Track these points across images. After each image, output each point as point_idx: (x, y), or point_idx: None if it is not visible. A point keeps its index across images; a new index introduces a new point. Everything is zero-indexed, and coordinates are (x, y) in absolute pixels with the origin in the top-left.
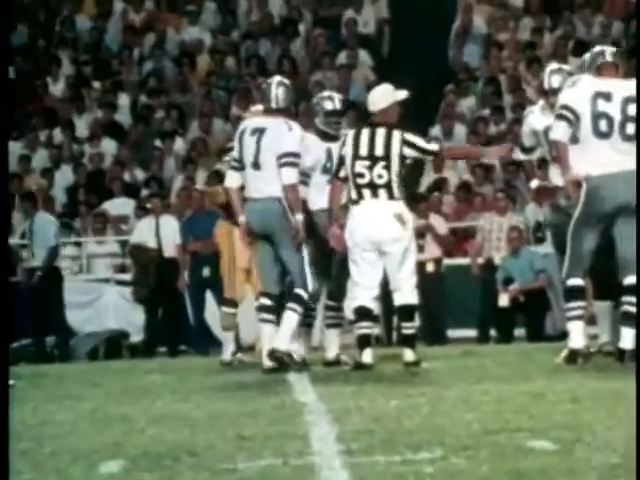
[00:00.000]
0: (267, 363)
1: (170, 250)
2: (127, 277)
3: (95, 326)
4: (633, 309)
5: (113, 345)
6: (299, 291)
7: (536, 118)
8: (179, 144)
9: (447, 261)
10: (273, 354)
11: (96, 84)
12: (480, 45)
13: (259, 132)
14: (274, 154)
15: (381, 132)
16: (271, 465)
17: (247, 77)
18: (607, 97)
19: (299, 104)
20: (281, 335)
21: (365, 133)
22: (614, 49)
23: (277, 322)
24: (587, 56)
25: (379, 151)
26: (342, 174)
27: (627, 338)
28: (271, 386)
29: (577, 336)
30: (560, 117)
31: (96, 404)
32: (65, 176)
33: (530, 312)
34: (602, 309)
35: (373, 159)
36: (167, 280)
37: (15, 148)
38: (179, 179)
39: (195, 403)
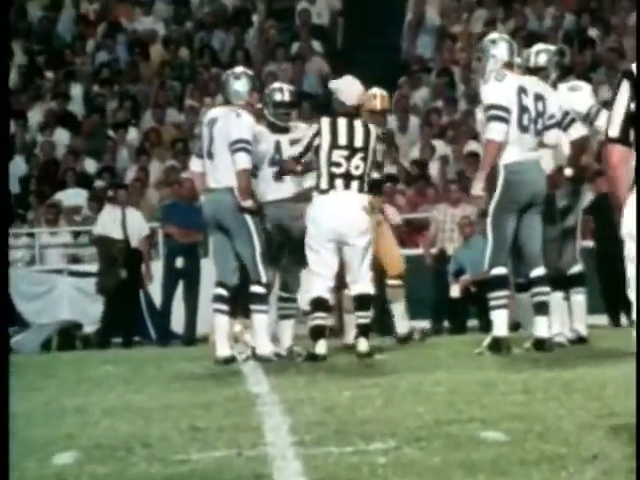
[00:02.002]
0: (220, 354)
1: (136, 241)
2: (81, 268)
3: (48, 317)
4: (546, 298)
5: (66, 336)
6: (256, 289)
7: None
8: (132, 134)
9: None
10: (260, 359)
11: (49, 74)
12: (433, 37)
13: (212, 122)
14: (225, 143)
15: (359, 124)
16: (225, 456)
17: (200, 68)
18: (526, 92)
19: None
20: (259, 340)
21: (342, 123)
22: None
23: (231, 313)
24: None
25: (358, 142)
26: (304, 159)
27: (543, 327)
28: (225, 377)
29: (501, 325)
30: (498, 118)
31: (50, 395)
32: (18, 166)
33: (482, 303)
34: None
35: (352, 149)
36: (133, 271)
37: None
38: (132, 169)
39: (149, 394)
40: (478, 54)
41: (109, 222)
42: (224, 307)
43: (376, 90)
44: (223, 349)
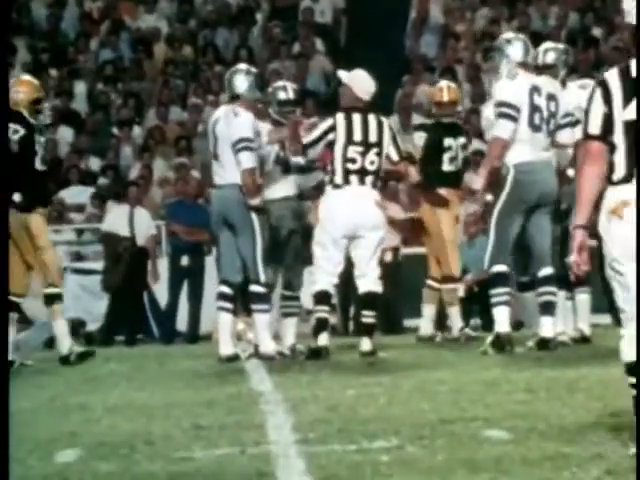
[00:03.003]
0: (223, 352)
1: (142, 239)
2: (84, 265)
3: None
4: (552, 298)
5: (70, 333)
6: (255, 288)
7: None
8: (136, 132)
9: (404, 250)
10: (263, 357)
11: (53, 72)
12: (437, 35)
13: (214, 123)
14: (228, 143)
15: (372, 118)
16: (228, 454)
17: (204, 66)
18: (539, 92)
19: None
20: (261, 338)
21: (357, 119)
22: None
23: (235, 311)
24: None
25: (373, 137)
26: (310, 149)
27: (548, 327)
28: (228, 375)
29: (503, 321)
30: (506, 116)
31: (53, 393)
32: None
33: (484, 302)
34: (559, 300)
35: (367, 145)
36: (139, 269)
37: None
38: (136, 167)
39: (152, 392)
40: (492, 53)
41: (116, 219)
42: (228, 305)
43: (444, 82)
44: (226, 347)
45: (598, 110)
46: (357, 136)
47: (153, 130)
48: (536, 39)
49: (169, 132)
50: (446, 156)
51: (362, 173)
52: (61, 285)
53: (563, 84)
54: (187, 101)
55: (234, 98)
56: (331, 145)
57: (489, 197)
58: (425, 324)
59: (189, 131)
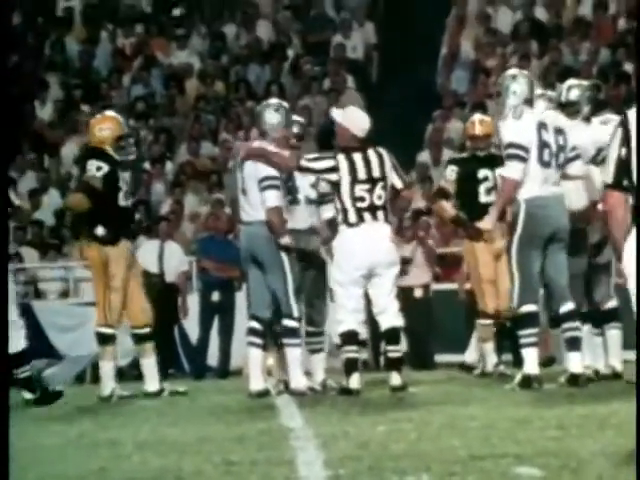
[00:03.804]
0: (254, 387)
1: (172, 276)
2: None
3: (82, 350)
4: (577, 333)
5: (99, 369)
6: (289, 323)
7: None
8: (167, 167)
9: (435, 286)
10: (294, 393)
11: (85, 108)
12: (468, 71)
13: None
14: (254, 180)
15: (372, 154)
16: None
17: (236, 101)
18: (546, 127)
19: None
20: (293, 376)
21: (358, 157)
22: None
23: (264, 346)
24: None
25: (376, 173)
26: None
27: (577, 363)
28: (258, 411)
29: (532, 362)
30: (516, 157)
31: (83, 429)
32: (53, 199)
33: (515, 338)
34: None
35: (372, 181)
36: (168, 305)
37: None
38: (167, 202)
39: (182, 428)
40: (497, 89)
41: (146, 255)
42: (258, 340)
43: (476, 116)
44: (257, 382)
45: (614, 156)
46: (361, 174)
47: (184, 165)
48: (567, 75)
49: (200, 167)
50: (482, 187)
51: (372, 209)
52: (118, 327)
53: (587, 120)
54: (218, 136)
55: (263, 134)
56: (336, 186)
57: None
58: (470, 353)
59: (220, 166)
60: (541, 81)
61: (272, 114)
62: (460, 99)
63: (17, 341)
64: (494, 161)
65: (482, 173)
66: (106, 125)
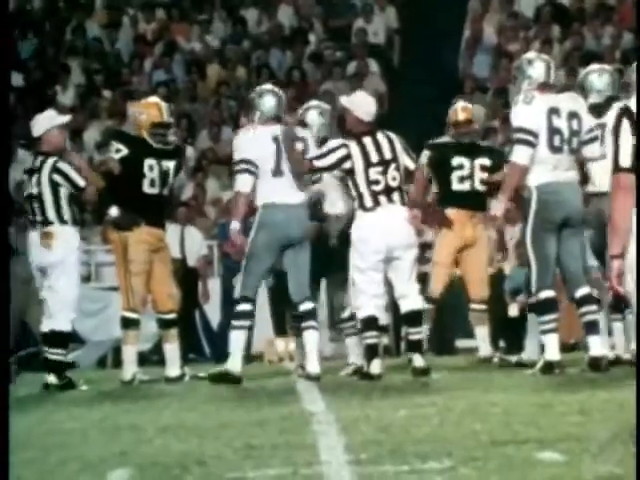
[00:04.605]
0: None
1: (193, 260)
2: None
3: (103, 334)
4: (595, 316)
5: (121, 353)
6: (309, 305)
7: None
8: (189, 152)
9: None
10: (310, 377)
11: (106, 93)
12: (490, 55)
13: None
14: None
15: (381, 136)
16: (280, 474)
17: (257, 86)
18: (558, 112)
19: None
20: (311, 359)
21: (368, 141)
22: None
23: (282, 331)
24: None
25: (388, 154)
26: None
27: (596, 346)
28: (279, 395)
29: (553, 348)
30: (524, 142)
31: (104, 413)
32: None
33: (512, 325)
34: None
35: (385, 163)
36: (189, 290)
37: (25, 156)
38: (189, 187)
39: (203, 412)
40: (514, 73)
41: (168, 240)
42: (248, 323)
43: (459, 103)
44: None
45: (627, 141)
46: (374, 157)
47: (206, 150)
48: (589, 59)
49: (221, 152)
50: (455, 175)
51: (388, 191)
52: (141, 311)
53: (609, 104)
54: (239, 122)
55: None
56: (350, 172)
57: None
58: (483, 345)
59: None
60: (563, 66)
61: (263, 100)
62: (482, 84)
63: (62, 322)
64: (474, 150)
65: (456, 161)
66: (145, 110)
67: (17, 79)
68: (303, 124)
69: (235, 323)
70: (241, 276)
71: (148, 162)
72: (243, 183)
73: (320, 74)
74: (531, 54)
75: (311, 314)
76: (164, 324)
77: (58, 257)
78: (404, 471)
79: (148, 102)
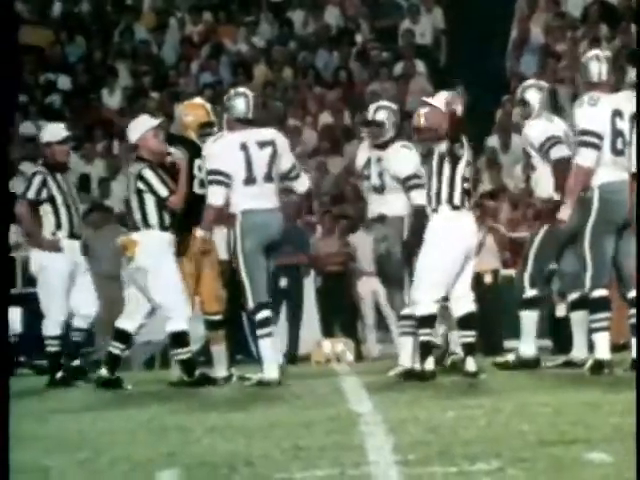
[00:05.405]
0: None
1: None
2: None
3: (151, 335)
4: None
5: (169, 354)
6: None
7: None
8: None
9: (503, 272)
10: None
11: (154, 95)
12: (537, 55)
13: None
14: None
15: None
16: (328, 475)
17: (303, 87)
18: (621, 115)
19: (355, 115)
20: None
21: (464, 138)
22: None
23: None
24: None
25: (470, 157)
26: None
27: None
28: (326, 396)
29: (603, 347)
30: (589, 145)
31: (152, 413)
32: (122, 186)
33: (556, 324)
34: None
35: (469, 165)
36: (236, 291)
37: (74, 159)
38: None
39: (250, 413)
40: (578, 72)
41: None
42: (267, 330)
43: (422, 109)
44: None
45: None
46: (468, 155)
47: None
48: (638, 58)
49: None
50: None
51: (469, 193)
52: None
53: None
54: (286, 122)
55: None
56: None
57: None
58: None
59: None
60: (612, 65)
61: (240, 100)
62: None
63: (176, 321)
64: (427, 156)
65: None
66: (191, 111)
67: (64, 82)
68: (376, 124)
69: (260, 332)
70: (247, 286)
71: (197, 163)
72: (214, 195)
73: (367, 75)
74: (594, 51)
75: (265, 323)
76: (211, 325)
77: (141, 263)
78: (452, 472)
79: (194, 103)
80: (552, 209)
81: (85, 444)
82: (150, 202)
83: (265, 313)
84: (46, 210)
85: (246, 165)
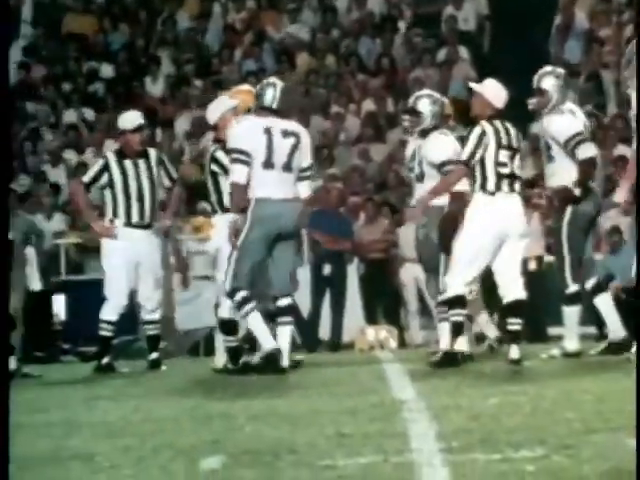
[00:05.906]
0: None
1: None
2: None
3: (195, 323)
4: None
5: (213, 342)
6: (292, 301)
7: None
8: None
9: (548, 258)
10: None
11: (197, 83)
12: (581, 40)
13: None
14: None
15: (509, 125)
16: (371, 462)
17: (346, 75)
18: None
19: (398, 102)
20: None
21: (499, 124)
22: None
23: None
24: None
25: (515, 143)
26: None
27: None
28: (370, 383)
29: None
30: None
31: (196, 401)
32: None
33: (629, 310)
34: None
35: (513, 150)
36: None
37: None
38: None
39: (294, 400)
40: (628, 57)
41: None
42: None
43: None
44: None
45: None
46: (504, 140)
47: None
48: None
49: (311, 141)
50: None
51: (512, 178)
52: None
53: None
54: (329, 110)
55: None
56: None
57: None
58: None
59: (331, 140)
60: None
61: (269, 90)
62: (573, 69)
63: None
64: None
65: None
66: (238, 97)
67: (107, 70)
68: (415, 112)
69: (243, 310)
70: (231, 268)
71: None
72: (238, 173)
73: (409, 61)
74: None
75: (287, 310)
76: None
77: (215, 245)
78: (496, 459)
79: (240, 89)
80: (565, 197)
81: (129, 431)
82: (225, 184)
83: (242, 293)
84: (107, 196)
85: (267, 149)
